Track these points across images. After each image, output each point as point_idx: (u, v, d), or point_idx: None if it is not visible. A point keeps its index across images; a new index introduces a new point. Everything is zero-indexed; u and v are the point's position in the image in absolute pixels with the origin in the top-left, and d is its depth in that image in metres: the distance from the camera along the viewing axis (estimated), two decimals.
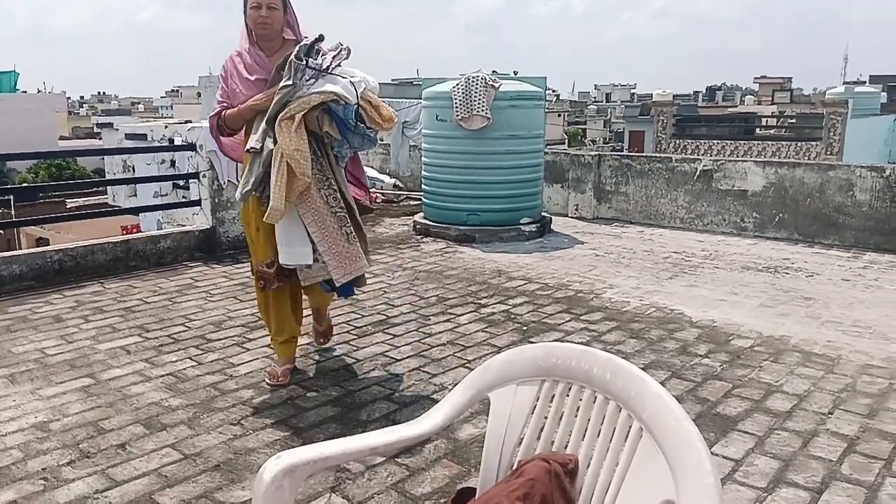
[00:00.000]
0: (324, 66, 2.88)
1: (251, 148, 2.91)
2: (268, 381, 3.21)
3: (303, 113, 2.82)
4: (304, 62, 2.85)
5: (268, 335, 3.46)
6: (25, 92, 41.37)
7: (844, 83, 30.36)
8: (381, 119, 2.97)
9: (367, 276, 3.40)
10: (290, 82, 2.84)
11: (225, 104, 3.12)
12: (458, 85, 6.23)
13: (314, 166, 2.93)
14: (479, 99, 6.13)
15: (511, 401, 1.49)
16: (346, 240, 3.03)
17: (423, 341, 3.78)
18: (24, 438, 2.70)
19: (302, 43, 2.91)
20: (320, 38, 2.94)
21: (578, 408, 1.41)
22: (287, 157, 2.80)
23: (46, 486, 2.38)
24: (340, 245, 3.02)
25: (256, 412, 2.95)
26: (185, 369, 3.38)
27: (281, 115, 2.82)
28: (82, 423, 2.83)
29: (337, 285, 3.07)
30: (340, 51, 2.95)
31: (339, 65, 2.93)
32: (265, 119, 2.89)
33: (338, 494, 2.35)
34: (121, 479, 2.42)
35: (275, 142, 2.85)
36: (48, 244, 8.94)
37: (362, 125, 2.92)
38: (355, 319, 4.11)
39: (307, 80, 2.86)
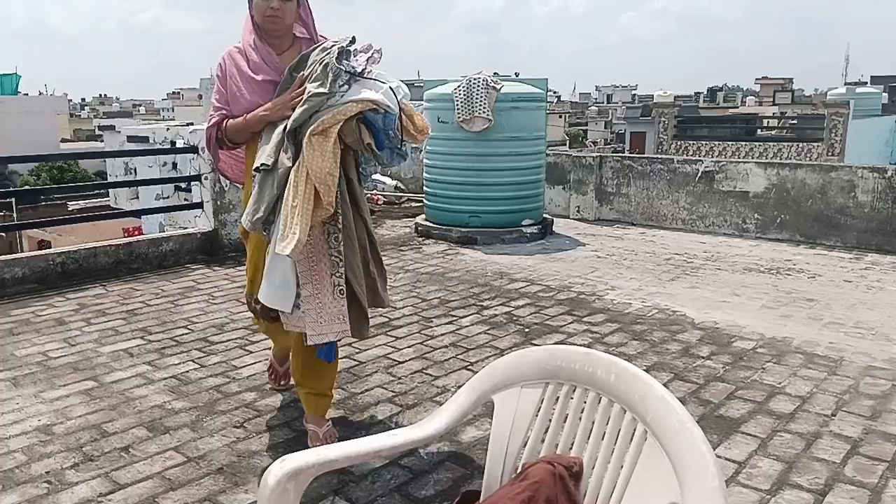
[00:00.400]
0: (358, 70, 2.42)
1: (262, 165, 2.39)
2: (271, 385, 3.21)
3: (339, 126, 2.34)
4: (342, 66, 2.41)
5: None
6: (27, 94, 41.47)
7: (846, 84, 30.38)
8: (415, 130, 2.52)
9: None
10: (324, 90, 2.36)
11: (224, 112, 2.59)
12: (459, 86, 6.24)
13: None
14: (481, 100, 6.13)
15: (515, 403, 1.49)
16: (331, 292, 2.46)
17: (425, 343, 3.78)
18: (28, 441, 2.71)
19: (336, 44, 2.45)
20: (353, 41, 2.50)
21: (583, 410, 1.41)
22: (316, 180, 2.30)
23: (50, 489, 2.39)
24: (325, 297, 2.46)
25: (259, 415, 2.95)
26: (187, 372, 3.38)
27: (312, 128, 2.33)
28: (85, 426, 2.83)
29: (307, 342, 2.50)
30: (373, 52, 2.50)
31: (371, 69, 2.49)
32: (286, 129, 2.40)
33: (341, 497, 2.35)
34: (124, 482, 2.42)
35: (292, 158, 2.37)
36: (50, 247, 8.96)
37: (398, 137, 2.48)
38: None
39: (340, 86, 2.39)
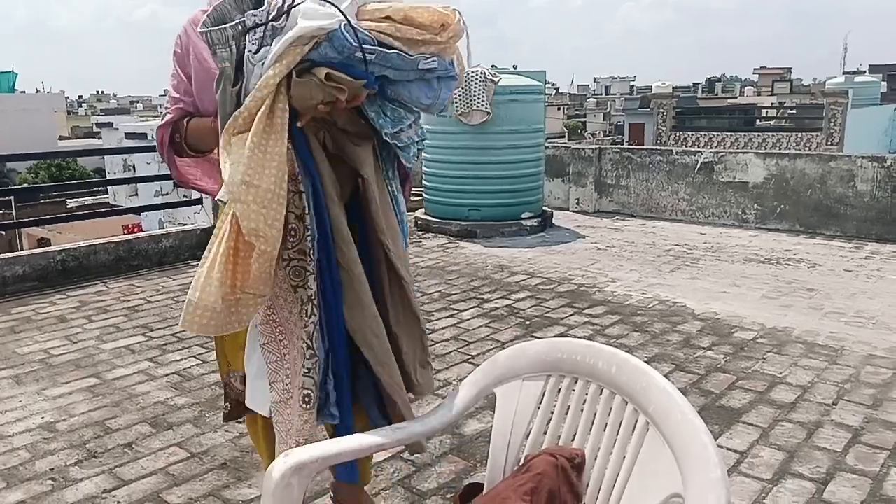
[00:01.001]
0: (272, 13, 1.47)
1: (219, 200, 1.57)
2: None
3: (266, 106, 1.46)
4: (238, 25, 1.49)
5: None
6: (24, 92, 41.37)
7: (844, 73, 30.26)
8: (427, 32, 1.52)
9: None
10: (226, 69, 1.52)
11: (182, 105, 1.77)
12: None
13: (293, 227, 1.57)
14: (479, 94, 6.12)
15: (517, 396, 1.50)
16: (298, 398, 1.59)
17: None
18: (32, 439, 2.71)
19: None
20: None
21: (584, 402, 1.42)
22: (232, 199, 1.46)
23: (55, 486, 2.39)
24: (294, 404, 1.61)
25: None
26: (189, 368, 3.39)
27: (226, 127, 1.50)
28: (89, 423, 2.84)
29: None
30: None
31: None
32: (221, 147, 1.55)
33: None
34: (128, 479, 2.43)
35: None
36: (49, 245, 8.96)
37: (405, 53, 1.50)
38: None
39: (254, 54, 1.48)
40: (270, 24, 1.47)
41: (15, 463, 2.54)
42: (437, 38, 1.54)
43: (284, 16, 1.46)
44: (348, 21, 1.43)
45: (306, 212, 1.56)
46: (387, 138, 1.63)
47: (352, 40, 1.43)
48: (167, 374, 3.31)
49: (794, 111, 22.74)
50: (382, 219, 1.67)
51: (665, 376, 1.29)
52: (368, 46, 1.46)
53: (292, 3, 1.46)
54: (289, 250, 1.58)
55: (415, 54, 1.52)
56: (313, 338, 1.57)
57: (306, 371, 1.57)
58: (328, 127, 1.60)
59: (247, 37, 1.49)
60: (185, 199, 7.63)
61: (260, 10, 1.48)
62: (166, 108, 1.81)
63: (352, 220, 1.66)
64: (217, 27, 1.49)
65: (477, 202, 6.40)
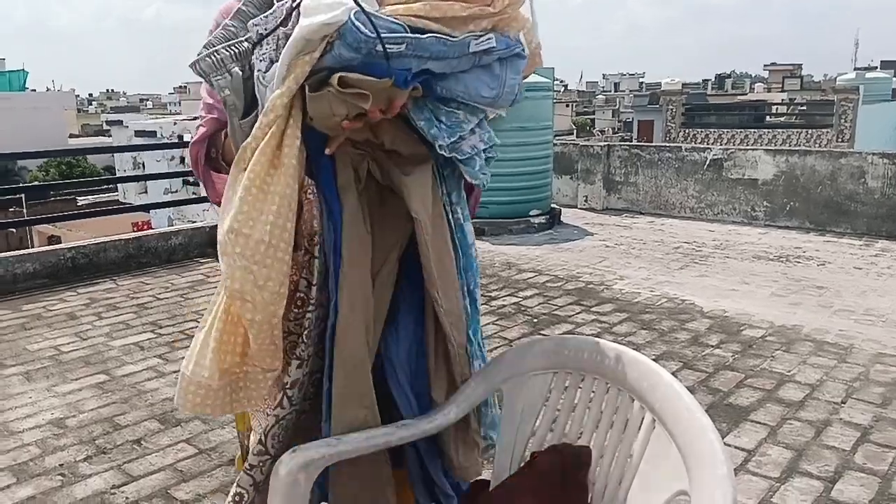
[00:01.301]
0: (280, 17, 1.14)
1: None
2: None
3: (272, 134, 1.14)
4: (245, 41, 1.18)
5: None
6: (34, 90, 41.64)
7: (855, 69, 30.11)
8: (474, 2, 1.16)
9: None
10: (228, 99, 1.19)
11: (216, 115, 1.38)
12: None
13: (301, 296, 1.31)
14: None
15: (523, 393, 1.50)
16: (230, 499, 1.31)
17: None
18: (41, 435, 2.73)
19: (228, 21, 1.21)
20: None
21: (591, 399, 1.42)
22: (219, 251, 1.18)
23: (64, 481, 2.41)
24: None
25: None
26: None
27: (236, 160, 1.17)
28: (98, 419, 2.85)
29: None
30: None
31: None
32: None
33: None
34: (137, 474, 2.45)
35: None
36: (60, 242, 9.01)
37: (447, 37, 1.14)
38: None
39: (265, 73, 1.16)
40: (281, 32, 1.14)
41: (25, 458, 2.56)
42: (489, 7, 1.18)
43: (294, 17, 1.12)
44: (360, 7, 1.09)
45: (314, 282, 1.28)
46: (443, 152, 1.28)
47: (367, 31, 1.09)
48: (176, 371, 3.32)
49: (804, 108, 22.62)
50: (435, 266, 1.34)
51: (673, 374, 1.28)
52: (391, 35, 1.10)
53: (296, 3, 1.12)
54: (290, 322, 1.30)
55: (461, 35, 1.16)
56: (269, 433, 1.30)
57: (248, 468, 1.30)
58: (374, 152, 1.27)
59: (254, 53, 1.18)
60: (194, 196, 7.67)
61: (264, 15, 1.16)
62: (200, 115, 1.45)
63: (411, 268, 1.38)
64: (207, 52, 1.18)
65: (485, 199, 6.35)
